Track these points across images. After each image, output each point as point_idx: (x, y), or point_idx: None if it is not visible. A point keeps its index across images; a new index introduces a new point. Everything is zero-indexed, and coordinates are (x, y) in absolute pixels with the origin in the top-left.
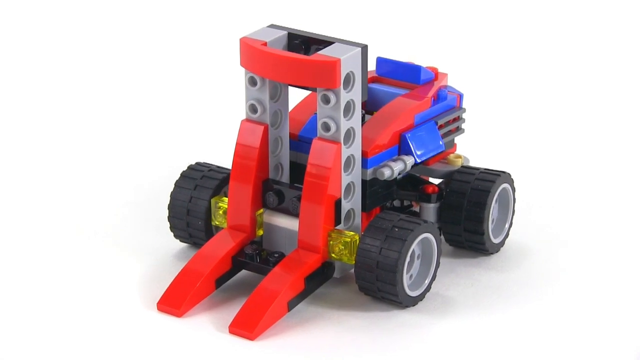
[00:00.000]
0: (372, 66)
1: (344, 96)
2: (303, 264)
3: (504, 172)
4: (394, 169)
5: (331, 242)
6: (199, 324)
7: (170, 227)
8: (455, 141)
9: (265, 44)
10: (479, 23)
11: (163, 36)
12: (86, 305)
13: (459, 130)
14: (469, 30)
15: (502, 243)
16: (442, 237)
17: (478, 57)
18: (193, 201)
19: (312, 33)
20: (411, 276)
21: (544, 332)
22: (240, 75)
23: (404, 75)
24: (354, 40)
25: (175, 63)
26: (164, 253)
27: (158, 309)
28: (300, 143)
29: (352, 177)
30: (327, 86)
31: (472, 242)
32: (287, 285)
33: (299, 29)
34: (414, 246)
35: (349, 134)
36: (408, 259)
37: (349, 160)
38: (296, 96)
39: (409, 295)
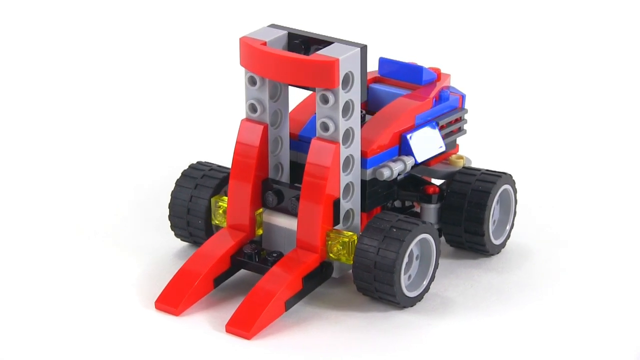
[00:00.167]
0: (375, 66)
1: (343, 96)
2: (301, 263)
3: (505, 173)
4: (394, 169)
5: (329, 242)
6: (196, 322)
7: (171, 226)
8: (458, 142)
9: (264, 43)
10: (483, 24)
11: (163, 36)
12: (85, 304)
13: (460, 131)
14: (473, 31)
15: (503, 244)
16: (442, 238)
17: (482, 59)
18: (193, 200)
19: (312, 33)
20: (409, 277)
21: (544, 333)
22: (240, 74)
23: (406, 75)
24: (355, 41)
25: (175, 63)
26: (164, 252)
27: (156, 307)
28: (301, 143)
29: (351, 177)
30: (326, 86)
31: (473, 243)
32: (284, 285)
33: (300, 29)
34: (412, 247)
35: (348, 134)
36: (406, 259)
37: (348, 160)
38: (297, 96)
39: (406, 296)
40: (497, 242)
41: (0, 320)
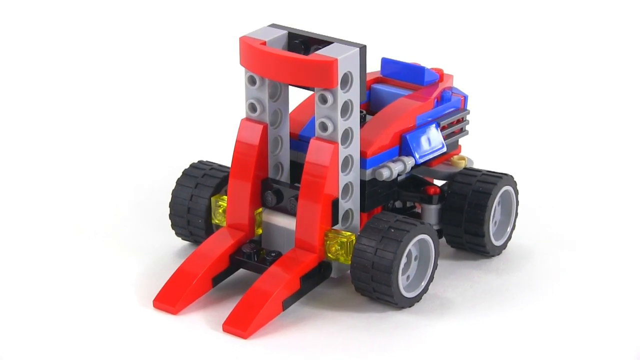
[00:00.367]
0: (378, 67)
1: (342, 96)
2: (299, 263)
3: (506, 174)
4: (393, 169)
5: (328, 242)
6: (193, 321)
7: (172, 225)
8: (461, 143)
9: (264, 43)
10: (486, 25)
11: (163, 36)
12: (85, 303)
13: (462, 132)
14: (476, 32)
15: (504, 245)
16: (443, 239)
17: (485, 60)
18: (194, 199)
19: (312, 33)
20: (408, 277)
21: (543, 334)
22: (240, 74)
23: (408, 76)
24: (358, 41)
25: (176, 63)
26: (164, 252)
27: (154, 306)
28: (301, 143)
29: (350, 177)
30: (325, 86)
31: (473, 244)
32: (282, 285)
33: (301, 29)
34: (410, 247)
35: (347, 134)
36: (404, 260)
37: (347, 160)
38: (297, 96)
39: (404, 297)
40: (498, 243)
41: (0, 319)
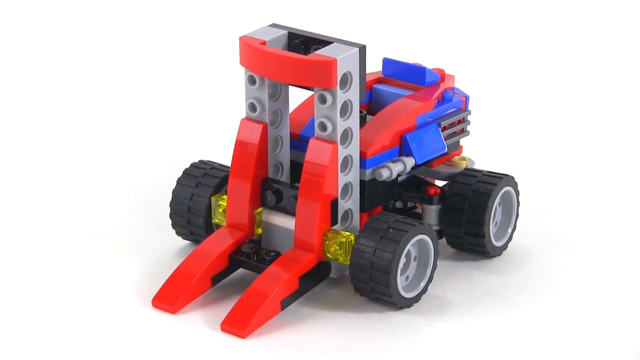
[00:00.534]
0: (379, 67)
1: (341, 96)
2: (298, 263)
3: (506, 175)
4: (393, 170)
5: (327, 242)
6: (191, 321)
7: (172, 224)
8: (462, 143)
9: (264, 43)
10: (488, 26)
11: (163, 36)
12: (84, 303)
13: (463, 132)
14: (478, 33)
15: (505, 246)
16: (444, 239)
17: (487, 60)
18: (194, 199)
19: (312, 33)
20: (407, 277)
21: (543, 334)
22: (240, 74)
23: (409, 76)
24: (359, 42)
25: (176, 63)
26: (164, 251)
27: (153, 305)
28: (302, 142)
29: (349, 177)
30: (324, 86)
31: (473, 245)
32: (280, 284)
33: (301, 28)
34: (409, 248)
35: (346, 134)
36: (403, 260)
37: (346, 160)
38: (298, 96)
39: (403, 297)
40: (498, 244)
41: (0, 319)
